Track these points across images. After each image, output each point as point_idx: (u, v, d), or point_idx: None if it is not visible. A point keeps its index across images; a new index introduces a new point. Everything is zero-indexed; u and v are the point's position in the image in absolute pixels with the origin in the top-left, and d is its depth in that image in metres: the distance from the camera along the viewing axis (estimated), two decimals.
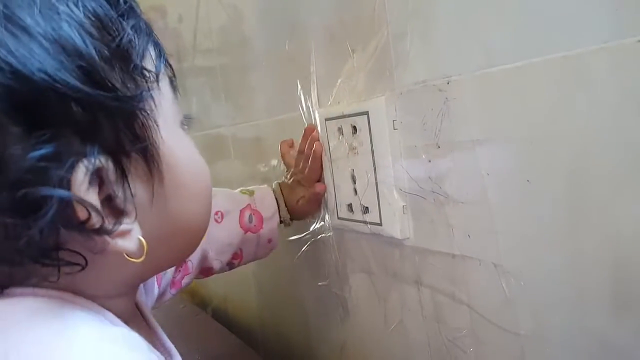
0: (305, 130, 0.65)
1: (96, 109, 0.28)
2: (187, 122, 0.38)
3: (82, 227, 0.28)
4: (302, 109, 0.67)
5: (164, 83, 0.35)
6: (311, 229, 0.70)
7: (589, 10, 0.33)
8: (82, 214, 0.28)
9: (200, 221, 0.38)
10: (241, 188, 0.67)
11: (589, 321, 0.37)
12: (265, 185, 0.69)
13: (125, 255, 0.31)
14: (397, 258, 0.55)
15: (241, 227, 0.64)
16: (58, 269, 0.30)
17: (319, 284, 0.70)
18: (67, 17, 0.28)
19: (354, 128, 0.56)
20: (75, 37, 0.28)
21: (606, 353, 0.37)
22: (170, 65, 0.37)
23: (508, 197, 0.41)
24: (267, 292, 0.91)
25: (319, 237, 0.69)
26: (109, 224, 0.30)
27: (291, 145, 0.70)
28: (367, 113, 0.54)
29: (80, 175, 0.28)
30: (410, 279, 0.54)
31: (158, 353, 0.36)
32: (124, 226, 0.30)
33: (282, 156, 0.70)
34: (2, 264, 0.30)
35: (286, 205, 0.67)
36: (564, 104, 0.36)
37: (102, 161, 0.29)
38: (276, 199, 0.67)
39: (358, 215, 0.58)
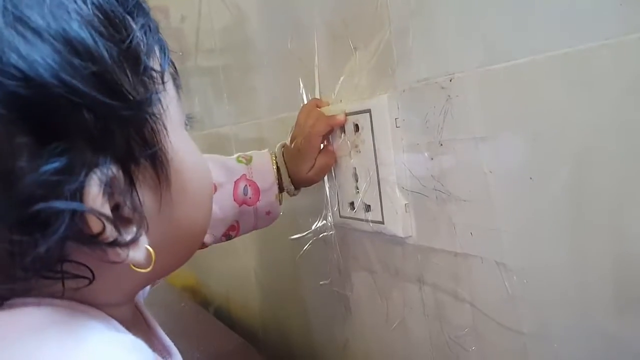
0: (316, 102, 0.61)
1: (109, 116, 0.27)
2: (189, 121, 0.38)
3: (94, 239, 0.27)
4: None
5: (169, 82, 0.34)
6: (313, 227, 0.70)
7: (592, 6, 0.33)
8: (96, 227, 0.27)
9: (202, 226, 0.38)
10: (238, 154, 0.61)
11: (593, 319, 0.37)
12: (266, 150, 0.62)
13: (132, 266, 0.30)
14: (399, 256, 0.55)
15: (235, 200, 0.58)
16: (62, 283, 0.28)
17: (321, 282, 0.70)
18: (77, 16, 0.26)
19: (356, 126, 0.56)
20: (87, 37, 0.26)
21: (610, 350, 0.37)
22: (173, 63, 0.36)
23: (511, 194, 0.41)
24: (269, 291, 0.91)
25: (320, 235, 0.69)
26: (121, 235, 0.28)
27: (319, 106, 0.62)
28: (369, 111, 0.54)
29: (95, 188, 0.26)
30: (413, 277, 0.53)
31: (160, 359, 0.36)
32: (133, 235, 0.29)
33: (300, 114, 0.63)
34: (3, 279, 0.28)
35: (289, 175, 0.60)
36: (567, 101, 0.36)
37: (114, 171, 0.28)
38: (278, 167, 0.61)
39: (360, 213, 0.58)
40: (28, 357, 0.26)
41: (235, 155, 0.61)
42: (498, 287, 0.43)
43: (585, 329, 0.38)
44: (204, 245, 0.58)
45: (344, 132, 0.58)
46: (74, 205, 0.26)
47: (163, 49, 0.34)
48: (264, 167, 0.60)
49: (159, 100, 0.31)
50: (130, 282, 0.35)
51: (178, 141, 0.33)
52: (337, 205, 0.62)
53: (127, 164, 0.29)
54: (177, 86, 0.36)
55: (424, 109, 0.47)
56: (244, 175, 0.59)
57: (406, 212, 0.52)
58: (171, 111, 0.33)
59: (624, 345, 0.36)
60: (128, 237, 0.29)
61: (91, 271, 0.29)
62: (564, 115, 0.36)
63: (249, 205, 0.59)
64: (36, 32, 0.25)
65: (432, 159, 0.48)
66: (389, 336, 0.59)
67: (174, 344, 0.82)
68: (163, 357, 0.40)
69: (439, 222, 0.48)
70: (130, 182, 0.29)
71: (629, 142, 0.33)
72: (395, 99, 0.51)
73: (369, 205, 0.56)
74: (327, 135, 0.60)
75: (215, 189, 0.57)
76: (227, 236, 0.61)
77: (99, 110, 0.27)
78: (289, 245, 0.75)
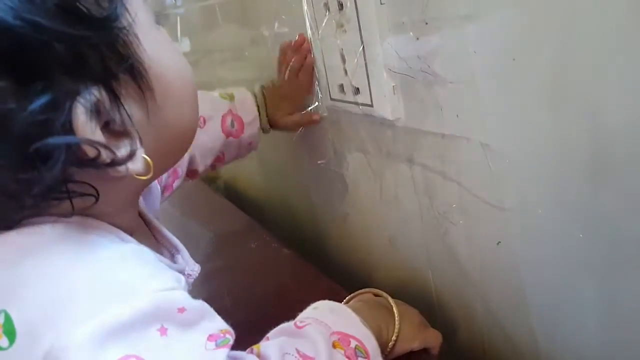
0: (296, 40, 0.63)
1: (79, 43, 0.28)
2: (158, 19, 0.37)
3: (93, 163, 0.29)
4: None
5: None
6: (307, 109, 0.69)
7: None
8: (91, 152, 0.29)
9: (191, 122, 0.39)
10: (219, 91, 0.66)
11: (570, 193, 0.38)
12: (244, 88, 0.67)
13: (135, 175, 0.32)
14: (390, 138, 0.55)
15: (223, 132, 0.63)
16: (70, 202, 0.30)
17: (319, 162, 0.72)
18: None
19: (340, 4, 0.53)
20: None
21: (587, 221, 0.38)
22: None
23: (495, 76, 0.40)
24: (272, 171, 0.93)
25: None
26: (117, 153, 0.30)
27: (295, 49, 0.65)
28: None
29: (82, 117, 0.28)
30: (403, 157, 0.54)
31: (166, 260, 0.39)
32: (128, 148, 0.31)
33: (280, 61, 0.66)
34: (14, 208, 0.30)
35: (267, 115, 0.67)
36: None
37: (96, 93, 0.29)
38: (257, 105, 0.66)
39: (349, 96, 0.57)
40: (35, 268, 0.29)
41: (217, 92, 0.65)
42: (482, 167, 0.44)
43: (561, 203, 0.39)
44: (196, 174, 0.64)
45: (329, 11, 0.55)
46: (66, 139, 0.28)
47: None
48: (246, 103, 0.66)
49: (126, 9, 0.31)
50: (129, 188, 0.37)
51: (152, 45, 0.33)
52: (327, 88, 0.61)
53: (107, 82, 0.30)
54: None
55: None
56: (230, 110, 0.64)
57: (394, 94, 0.51)
58: (140, 16, 0.32)
59: (601, 215, 0.37)
60: (123, 151, 0.31)
61: (95, 189, 0.31)
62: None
63: (235, 137, 0.65)
64: None
65: (417, 38, 0.46)
66: (384, 211, 0.62)
67: (186, 224, 0.88)
68: (171, 253, 0.44)
69: (426, 104, 0.48)
70: (115, 98, 0.30)
71: (609, 22, 0.31)
72: None
73: (358, 88, 0.55)
74: None
75: (205, 122, 0.62)
76: (213, 166, 0.66)
77: (69, 40, 0.27)
78: None
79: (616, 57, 0.32)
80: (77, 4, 0.28)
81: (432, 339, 0.51)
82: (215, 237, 0.82)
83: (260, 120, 0.67)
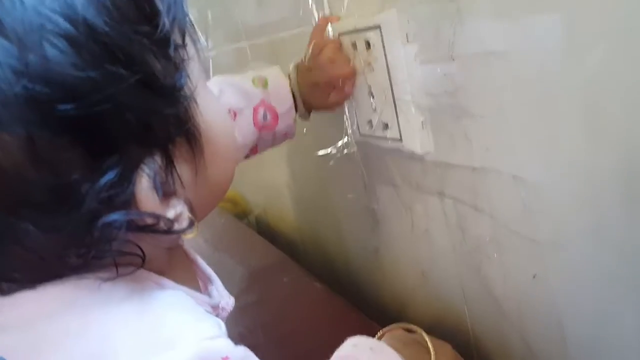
0: (327, 22, 0.58)
1: (149, 113, 0.28)
2: (207, 74, 0.37)
3: (150, 229, 0.29)
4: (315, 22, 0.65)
5: (189, 44, 0.33)
6: (337, 144, 0.70)
7: None
8: (150, 221, 0.29)
9: (231, 176, 0.39)
10: (253, 75, 0.60)
11: (606, 224, 0.38)
12: (279, 71, 0.61)
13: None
14: (420, 171, 0.56)
15: (255, 126, 0.58)
16: (115, 265, 0.30)
17: (349, 196, 0.73)
18: (109, 14, 0.26)
19: (368, 43, 0.54)
20: (122, 37, 0.26)
21: (625, 252, 0.37)
22: (191, 21, 0.34)
23: (524, 109, 0.40)
24: (303, 205, 0.94)
25: (344, 151, 0.70)
26: (172, 218, 0.30)
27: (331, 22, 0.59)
28: (379, 27, 0.52)
29: (146, 190, 0.28)
30: (434, 190, 0.55)
31: (203, 297, 0.39)
32: (177, 210, 0.31)
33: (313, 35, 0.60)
34: (59, 264, 0.30)
35: (303, 101, 0.60)
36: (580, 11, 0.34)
37: (159, 161, 0.29)
38: (292, 92, 0.60)
39: (379, 131, 0.58)
40: (76, 320, 0.30)
41: (250, 76, 0.59)
42: (515, 199, 0.44)
43: (598, 234, 0.39)
44: None
45: (356, 50, 0.57)
46: (130, 215, 0.27)
47: (181, 7, 0.32)
48: (281, 92, 0.59)
49: (189, 77, 0.31)
50: (170, 241, 0.37)
51: (204, 105, 0.33)
52: (356, 123, 0.63)
53: (165, 147, 0.30)
54: (195, 42, 0.34)
55: (434, 23, 0.46)
56: (263, 100, 0.58)
57: (423, 128, 0.52)
58: (196, 76, 0.33)
59: (636, 246, 0.36)
60: (172, 212, 0.30)
61: (142, 249, 0.31)
62: (578, 31, 0.34)
63: (269, 130, 0.59)
64: (71, 40, 0.25)
65: (445, 74, 0.47)
66: (415, 245, 0.62)
67: (219, 260, 0.88)
68: (205, 284, 0.43)
69: (455, 138, 0.48)
70: (169, 162, 0.30)
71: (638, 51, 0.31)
72: (404, 12, 0.49)
73: (387, 124, 0.56)
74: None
75: (236, 115, 0.57)
76: (247, 157, 0.62)
77: (143, 112, 0.27)
78: (316, 161, 0.77)
79: None
80: (152, 74, 0.28)
81: None
82: (248, 271, 0.83)
83: (297, 106, 0.60)
